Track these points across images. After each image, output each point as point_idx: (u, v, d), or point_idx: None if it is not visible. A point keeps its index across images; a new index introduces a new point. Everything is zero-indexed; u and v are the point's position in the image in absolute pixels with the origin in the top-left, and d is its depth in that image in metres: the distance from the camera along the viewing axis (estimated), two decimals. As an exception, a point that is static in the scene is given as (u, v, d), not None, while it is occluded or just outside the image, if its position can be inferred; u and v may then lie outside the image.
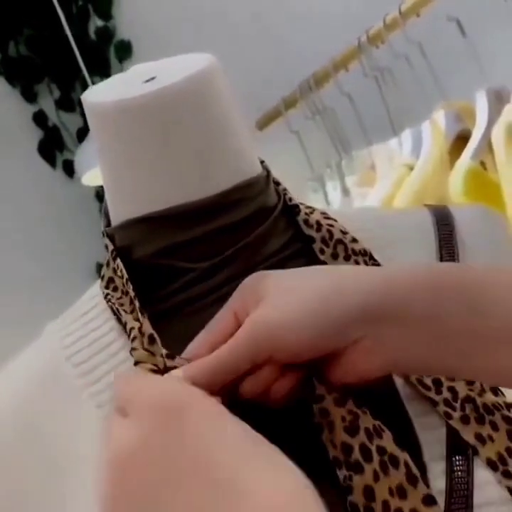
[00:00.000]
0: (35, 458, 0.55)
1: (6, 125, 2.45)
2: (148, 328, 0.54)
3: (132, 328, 0.54)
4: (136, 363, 0.52)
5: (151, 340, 0.53)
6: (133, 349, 0.53)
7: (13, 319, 2.21)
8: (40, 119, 2.51)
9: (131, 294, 0.56)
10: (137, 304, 0.55)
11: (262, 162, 0.64)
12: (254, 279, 0.53)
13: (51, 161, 2.51)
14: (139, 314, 0.55)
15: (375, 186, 1.54)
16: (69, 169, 2.49)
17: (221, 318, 0.52)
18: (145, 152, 0.58)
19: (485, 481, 0.52)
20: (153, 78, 0.59)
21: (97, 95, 0.60)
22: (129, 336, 0.55)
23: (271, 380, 0.50)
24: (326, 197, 1.65)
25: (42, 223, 2.44)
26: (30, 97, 2.51)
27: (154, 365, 0.51)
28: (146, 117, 0.57)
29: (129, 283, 0.57)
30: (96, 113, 0.59)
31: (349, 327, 0.49)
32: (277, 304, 0.50)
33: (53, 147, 2.52)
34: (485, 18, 1.52)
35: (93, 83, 2.25)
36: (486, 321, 0.49)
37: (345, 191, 1.61)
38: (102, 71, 2.43)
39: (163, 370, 0.51)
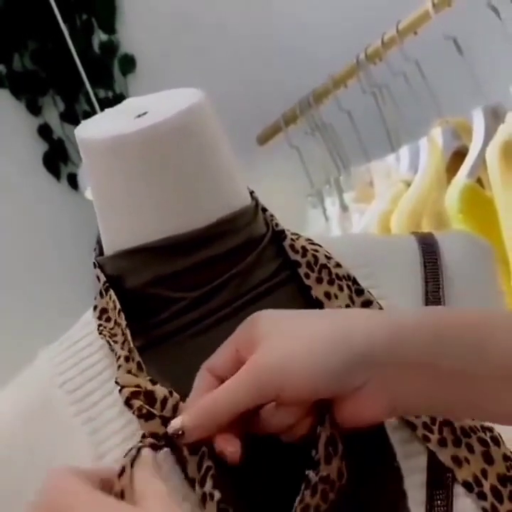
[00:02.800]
0: (26, 484, 0.56)
1: (11, 138, 2.47)
2: (136, 356, 0.56)
3: (119, 357, 0.56)
4: (121, 388, 0.54)
5: (139, 367, 0.55)
6: (117, 378, 0.55)
7: (13, 325, 2.22)
8: (44, 131, 2.52)
9: (123, 324, 0.58)
10: (129, 334, 0.57)
11: (251, 192, 0.66)
12: (252, 319, 0.53)
13: (56, 173, 2.53)
14: (130, 344, 0.57)
15: (373, 202, 1.56)
16: (73, 182, 2.50)
17: (222, 353, 0.54)
18: (136, 186, 0.60)
19: (463, 509, 0.53)
20: (145, 113, 0.61)
21: (90, 130, 0.62)
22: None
23: (298, 418, 0.51)
24: (324, 212, 1.67)
25: (46, 235, 2.45)
26: (34, 110, 2.52)
27: (137, 386, 0.53)
28: (137, 153, 0.59)
29: (121, 314, 0.58)
30: (89, 148, 0.61)
31: (353, 373, 0.50)
32: (277, 347, 0.50)
33: (58, 160, 2.53)
34: (481, 36, 1.54)
35: (97, 96, 2.27)
36: (486, 361, 0.51)
37: (344, 207, 1.63)
38: (106, 84, 2.45)
39: (144, 392, 0.53)
